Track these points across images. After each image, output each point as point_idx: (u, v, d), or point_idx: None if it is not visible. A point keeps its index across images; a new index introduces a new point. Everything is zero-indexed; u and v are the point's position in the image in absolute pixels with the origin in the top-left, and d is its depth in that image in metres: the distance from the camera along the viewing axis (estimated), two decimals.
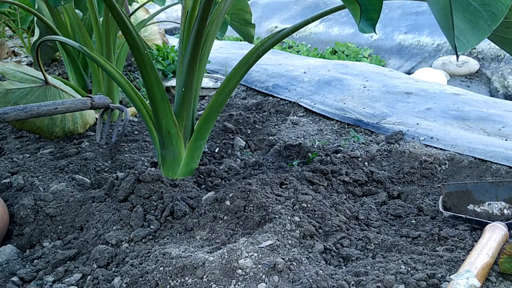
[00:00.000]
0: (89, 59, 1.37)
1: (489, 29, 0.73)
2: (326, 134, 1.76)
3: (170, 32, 5.07)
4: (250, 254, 0.86)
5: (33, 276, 0.92)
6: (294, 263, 0.85)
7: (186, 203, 1.12)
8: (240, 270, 0.83)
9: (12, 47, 3.91)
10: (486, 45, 3.72)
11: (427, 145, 1.51)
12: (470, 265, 0.83)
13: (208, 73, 2.63)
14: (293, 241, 0.95)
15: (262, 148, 1.66)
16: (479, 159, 1.37)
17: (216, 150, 1.59)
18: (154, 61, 2.57)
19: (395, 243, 1.00)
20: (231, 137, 1.71)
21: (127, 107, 2.17)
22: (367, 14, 0.79)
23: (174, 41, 3.54)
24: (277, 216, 1.01)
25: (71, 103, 1.33)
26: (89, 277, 0.88)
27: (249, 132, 1.72)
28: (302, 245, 0.97)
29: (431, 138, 1.54)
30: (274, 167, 1.45)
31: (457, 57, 0.74)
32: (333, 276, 0.86)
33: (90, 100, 1.39)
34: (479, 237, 0.96)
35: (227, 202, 1.08)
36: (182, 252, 0.91)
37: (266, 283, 0.81)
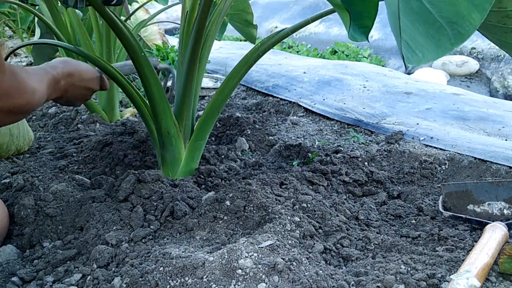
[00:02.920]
0: (88, 61, 1.36)
1: (451, 48, 0.72)
2: (326, 134, 1.77)
3: (170, 32, 5.07)
4: (250, 254, 0.86)
5: (33, 276, 0.92)
6: (294, 263, 0.85)
7: (186, 203, 1.12)
8: (240, 270, 0.83)
9: (12, 47, 3.91)
10: (486, 45, 3.72)
11: (427, 145, 1.52)
12: (470, 265, 0.84)
13: (208, 73, 2.63)
14: (293, 241, 0.95)
15: (262, 148, 1.66)
16: (479, 159, 1.37)
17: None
18: None
19: (395, 243, 1.00)
20: (233, 137, 1.71)
21: (127, 107, 2.17)
22: (361, 21, 0.77)
23: (174, 41, 3.55)
24: (277, 216, 1.01)
25: (121, 68, 1.35)
26: (89, 277, 0.88)
27: (249, 132, 1.72)
28: (302, 245, 0.97)
29: (431, 138, 1.54)
30: (274, 167, 1.46)
31: (406, 68, 0.73)
32: (333, 276, 0.86)
33: None
34: (479, 237, 0.96)
35: (227, 202, 1.08)
36: (182, 252, 0.91)
37: (266, 283, 0.81)
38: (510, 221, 1.02)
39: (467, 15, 0.70)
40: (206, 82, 2.33)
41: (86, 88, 1.14)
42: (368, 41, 0.79)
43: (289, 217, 1.02)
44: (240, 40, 4.86)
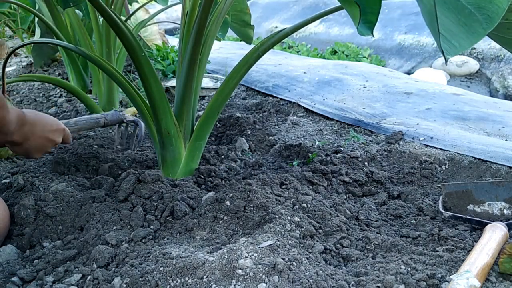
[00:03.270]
0: (88, 60, 1.36)
1: (484, 33, 0.72)
2: (326, 134, 1.76)
3: (170, 32, 5.07)
4: (250, 254, 0.86)
5: (33, 276, 0.92)
6: (294, 263, 0.85)
7: (186, 203, 1.12)
8: (240, 270, 0.83)
9: (12, 47, 3.91)
10: (486, 45, 3.72)
11: (427, 145, 1.52)
12: (470, 265, 0.84)
13: (208, 73, 2.63)
14: (293, 241, 0.95)
15: (262, 148, 1.66)
16: (479, 159, 1.37)
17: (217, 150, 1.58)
18: (154, 61, 2.58)
19: (395, 243, 1.00)
20: (233, 137, 1.71)
21: (128, 107, 2.17)
22: (365, 17, 0.79)
23: (174, 41, 3.54)
24: (277, 216, 1.01)
25: (85, 122, 1.32)
26: (89, 277, 0.88)
27: (249, 132, 1.72)
28: (302, 245, 0.97)
29: (431, 138, 1.54)
30: (274, 167, 1.46)
31: (446, 60, 0.74)
32: (333, 276, 0.86)
33: (103, 119, 1.36)
34: (479, 237, 0.96)
35: (227, 202, 1.08)
36: (182, 252, 0.91)
37: (266, 283, 0.81)
38: (510, 221, 1.02)
39: None
40: (206, 82, 2.33)
41: (47, 139, 1.11)
42: (373, 35, 0.81)
43: (289, 217, 1.02)
44: (240, 41, 4.86)
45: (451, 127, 1.65)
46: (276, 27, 5.62)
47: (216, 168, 1.35)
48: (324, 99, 2.06)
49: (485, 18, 0.72)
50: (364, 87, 2.16)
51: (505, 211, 1.08)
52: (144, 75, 1.20)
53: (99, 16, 1.93)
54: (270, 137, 1.69)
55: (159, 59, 2.56)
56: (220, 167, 1.40)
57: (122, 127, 1.44)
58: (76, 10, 2.14)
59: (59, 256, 0.97)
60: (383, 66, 3.68)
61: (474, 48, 3.79)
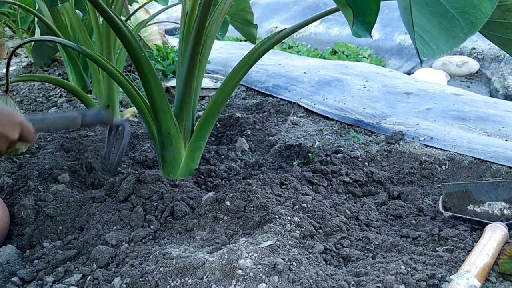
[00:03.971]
0: (89, 59, 1.36)
1: (465, 38, 0.72)
2: (326, 134, 1.76)
3: (170, 32, 5.06)
4: (250, 254, 0.86)
5: (33, 276, 0.92)
6: (294, 263, 0.85)
7: (186, 203, 1.12)
8: (240, 271, 0.83)
9: (12, 47, 3.91)
10: (486, 46, 3.72)
11: (427, 145, 1.52)
12: (470, 266, 0.84)
13: (208, 73, 2.63)
14: (293, 241, 0.95)
15: (262, 148, 1.66)
16: (479, 159, 1.37)
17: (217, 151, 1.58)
18: (154, 61, 2.57)
19: (395, 244, 1.00)
20: (233, 138, 1.71)
21: (128, 107, 2.17)
22: (363, 18, 0.78)
23: (174, 41, 3.54)
24: (277, 217, 1.01)
25: (56, 119, 1.12)
26: (89, 277, 0.88)
27: (249, 132, 1.72)
28: (302, 245, 0.97)
29: (431, 138, 1.54)
30: (274, 167, 1.46)
31: (421, 62, 0.74)
32: (333, 276, 0.86)
33: (80, 118, 1.12)
34: (479, 238, 0.96)
35: (227, 202, 1.08)
36: (182, 252, 0.91)
37: (266, 284, 0.81)
38: (510, 221, 1.02)
39: (478, 4, 0.71)
40: (206, 82, 2.33)
41: None
42: (371, 37, 0.80)
43: (289, 217, 1.02)
44: (240, 41, 4.86)
45: (451, 127, 1.65)
46: (276, 27, 5.61)
47: (216, 168, 1.35)
48: (324, 99, 2.06)
49: (467, 24, 0.71)
50: (364, 87, 2.16)
51: (505, 211, 1.08)
52: (144, 75, 1.20)
53: (99, 16, 1.93)
54: (270, 137, 1.69)
55: (159, 59, 2.56)
56: (220, 167, 1.40)
57: (112, 133, 1.31)
58: (76, 10, 2.14)
59: (59, 256, 0.97)
60: (383, 66, 3.67)
61: (474, 48, 3.79)
